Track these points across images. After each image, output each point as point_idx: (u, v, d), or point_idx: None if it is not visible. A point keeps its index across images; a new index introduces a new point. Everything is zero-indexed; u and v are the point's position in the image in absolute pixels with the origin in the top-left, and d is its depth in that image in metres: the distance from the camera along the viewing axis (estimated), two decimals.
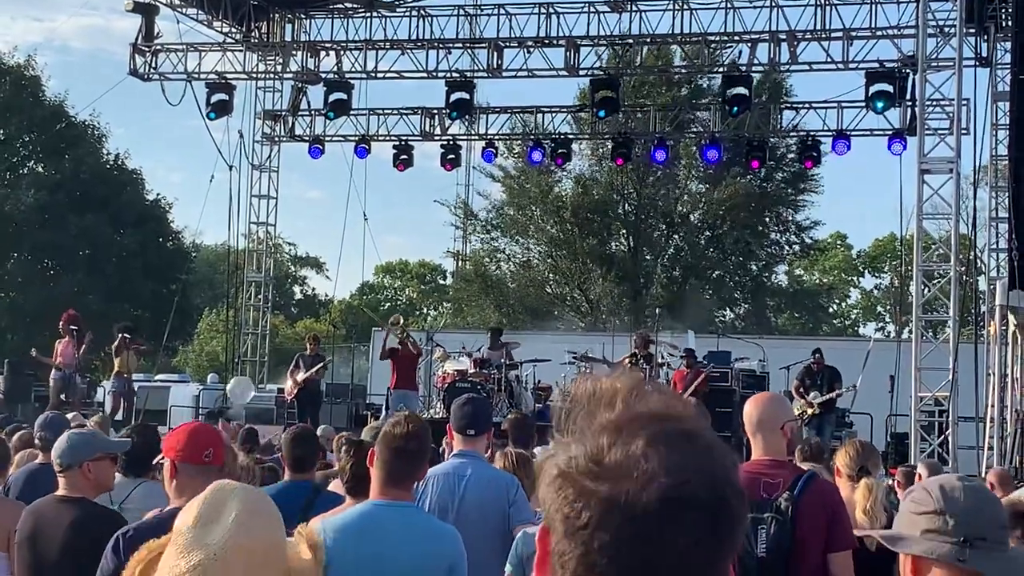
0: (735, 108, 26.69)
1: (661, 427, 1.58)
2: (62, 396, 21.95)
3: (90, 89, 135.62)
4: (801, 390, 20.84)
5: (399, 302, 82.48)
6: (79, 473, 6.01)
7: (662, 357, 22.78)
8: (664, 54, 38.13)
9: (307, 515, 6.29)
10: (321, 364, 23.16)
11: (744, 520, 1.61)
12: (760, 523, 5.39)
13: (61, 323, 22.74)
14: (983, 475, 15.21)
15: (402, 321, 23.23)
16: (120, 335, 23.20)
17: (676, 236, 51.60)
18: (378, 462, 5.07)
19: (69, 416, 11.90)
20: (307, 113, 30.88)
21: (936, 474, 11.40)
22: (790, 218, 52.97)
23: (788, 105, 32.34)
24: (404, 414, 5.47)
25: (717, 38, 27.60)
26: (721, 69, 29.48)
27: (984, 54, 25.26)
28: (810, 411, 20.54)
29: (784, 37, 26.45)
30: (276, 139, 31.63)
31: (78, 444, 6.14)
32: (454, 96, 27.41)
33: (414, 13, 28.86)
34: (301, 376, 22.78)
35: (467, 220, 52.89)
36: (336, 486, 7.47)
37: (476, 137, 31.70)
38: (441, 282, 78.13)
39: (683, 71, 38.04)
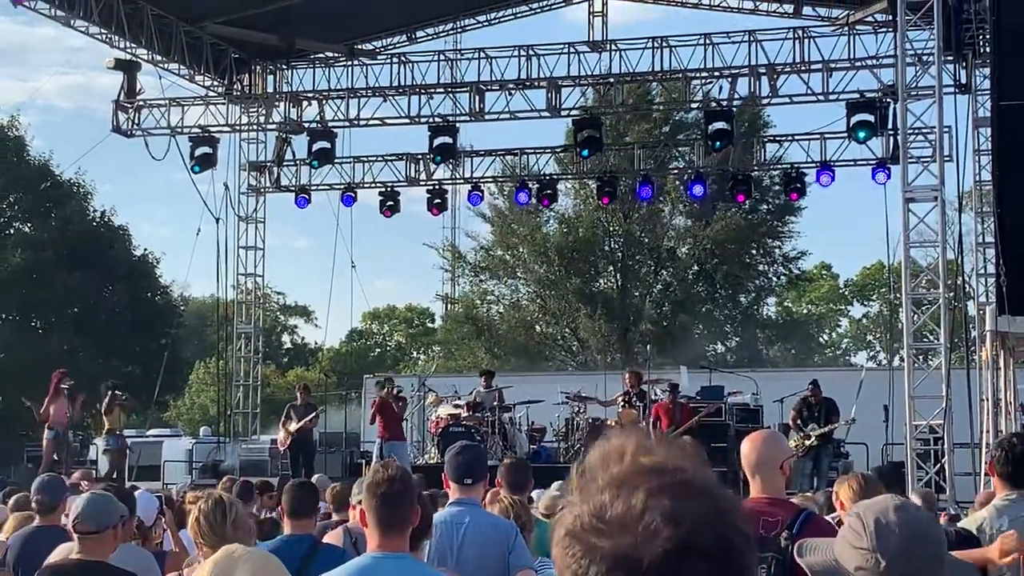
0: (718, 143, 26.79)
1: (661, 479, 1.59)
2: (55, 456, 21.82)
3: (75, 147, 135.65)
4: (799, 422, 20.82)
5: (387, 348, 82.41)
6: (105, 537, 5.95)
7: (655, 394, 22.75)
8: (644, 91, 38.29)
9: (307, 569, 6.25)
10: (313, 414, 23.09)
11: (754, 563, 1.61)
12: (761, 562, 5.38)
13: (53, 382, 22.61)
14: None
15: (387, 387, 23.15)
16: (110, 392, 23.13)
17: (664, 272, 51.67)
18: (367, 514, 5.06)
19: (70, 479, 11.81)
20: (292, 163, 30.90)
21: (931, 504, 11.38)
22: (777, 250, 53.10)
23: (771, 138, 32.46)
24: (382, 462, 5.47)
25: (697, 74, 27.73)
26: (700, 103, 29.60)
27: (963, 81, 25.41)
28: (807, 444, 20.51)
29: (764, 71, 26.60)
30: (262, 190, 31.64)
31: (108, 507, 6.08)
32: (438, 141, 27.45)
33: (395, 60, 28.99)
34: (293, 426, 22.70)
35: (455, 263, 52.98)
36: (333, 536, 7.43)
37: (461, 181, 31.76)
38: (429, 325, 78.12)
39: (664, 107, 38.18)
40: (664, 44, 27.31)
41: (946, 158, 21.72)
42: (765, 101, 28.80)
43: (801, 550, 3.16)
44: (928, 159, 20.49)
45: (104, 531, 5.95)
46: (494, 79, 28.04)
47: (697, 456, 1.70)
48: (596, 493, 1.61)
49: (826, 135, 28.14)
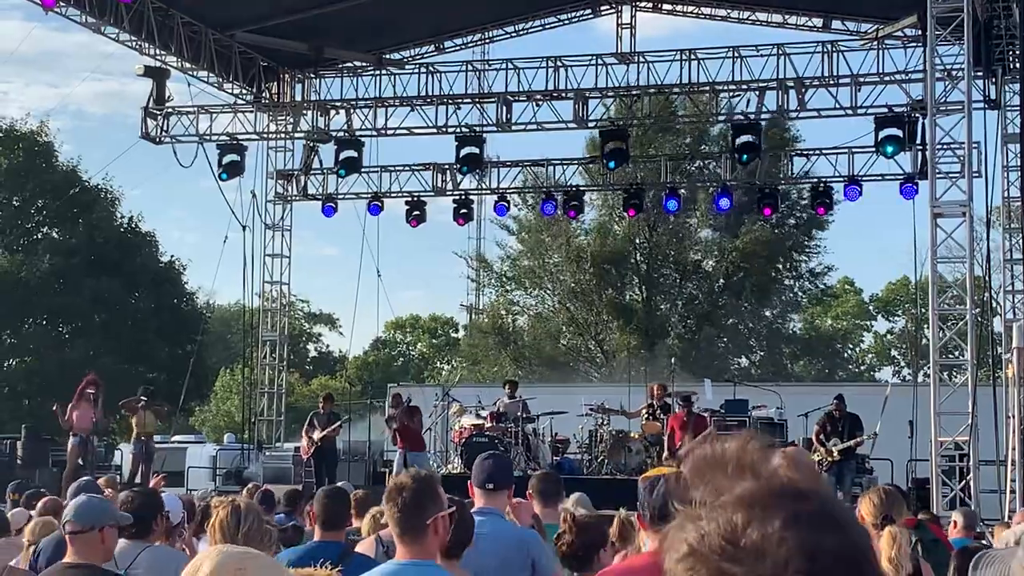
0: (744, 156, 26.74)
1: (798, 507, 1.51)
2: (80, 461, 21.91)
3: (107, 152, 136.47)
4: (822, 437, 20.73)
5: (411, 357, 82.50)
6: (94, 537, 5.96)
7: (679, 407, 22.67)
8: (670, 103, 38.29)
9: None
10: (337, 423, 23.13)
11: None
12: None
13: (81, 386, 22.69)
14: (1007, 519, 15.09)
15: (400, 406, 23.28)
16: (139, 397, 23.27)
17: (689, 284, 51.58)
18: (389, 522, 5.09)
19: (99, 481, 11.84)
20: (319, 172, 30.99)
21: (972, 524, 11.30)
22: (803, 264, 52.96)
23: (798, 152, 32.37)
24: (406, 471, 5.50)
25: (724, 87, 27.69)
26: (726, 116, 29.57)
27: (993, 97, 25.32)
28: (830, 459, 20.42)
29: (792, 84, 26.53)
30: (289, 198, 31.72)
31: (97, 508, 6.10)
32: (464, 151, 27.50)
33: (423, 70, 29.06)
34: (317, 435, 22.77)
35: (481, 272, 53.03)
36: (365, 545, 7.41)
37: (488, 191, 31.79)
38: (453, 335, 78.18)
39: (691, 120, 38.16)
40: (692, 57, 27.30)
41: (975, 174, 21.66)
42: (793, 115, 28.75)
43: (978, 563, 3.13)
44: (956, 175, 20.40)
45: (91, 531, 5.95)
46: (521, 90, 28.07)
47: (823, 479, 1.63)
48: (726, 511, 1.52)
49: (854, 149, 28.07)
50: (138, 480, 21.26)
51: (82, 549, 5.95)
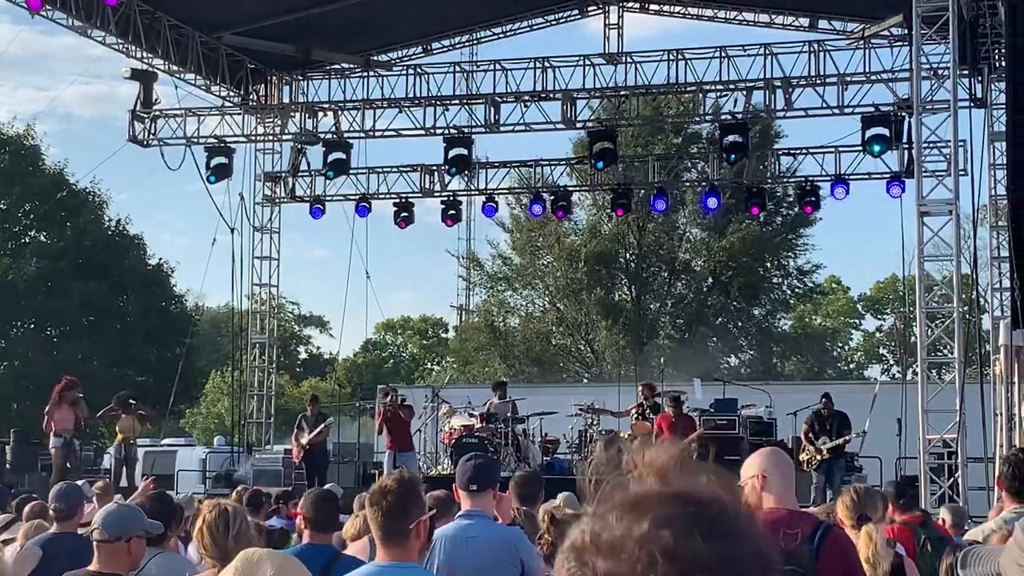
0: (732, 156, 26.81)
1: (674, 510, 1.51)
2: (67, 464, 21.86)
3: (95, 156, 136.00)
4: (810, 435, 20.78)
5: (402, 359, 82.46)
6: (121, 548, 5.93)
7: (668, 407, 22.70)
8: (658, 103, 38.33)
9: None
10: (324, 425, 23.12)
11: None
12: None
13: (60, 388, 22.56)
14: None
15: (391, 395, 23.25)
16: (116, 404, 23.22)
17: (679, 284, 51.64)
18: (371, 524, 5.11)
19: (83, 484, 11.82)
20: (307, 173, 30.97)
21: (961, 520, 11.34)
22: (791, 262, 53.06)
23: (785, 151, 32.44)
24: (390, 473, 5.51)
25: (712, 87, 27.75)
26: (713, 116, 29.63)
27: (979, 95, 25.37)
28: (819, 457, 20.49)
29: (779, 84, 26.60)
30: (277, 200, 31.70)
31: (127, 518, 6.06)
32: (453, 152, 27.52)
33: (410, 71, 29.06)
34: (305, 439, 22.78)
35: (471, 271, 53.06)
36: (358, 547, 7.42)
37: (476, 192, 31.79)
38: (443, 335, 78.18)
39: (678, 120, 38.22)
40: (679, 57, 27.36)
41: (961, 172, 21.69)
42: (780, 114, 28.81)
43: (965, 561, 3.15)
44: (943, 173, 20.45)
45: (118, 541, 5.92)
46: (509, 91, 28.10)
47: (734, 491, 1.60)
48: (606, 511, 1.55)
49: (841, 148, 28.11)
50: (123, 484, 21.21)
51: (108, 559, 5.92)
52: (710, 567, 1.47)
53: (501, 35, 30.20)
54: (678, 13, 29.77)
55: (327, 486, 16.42)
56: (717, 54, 27.15)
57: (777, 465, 5.72)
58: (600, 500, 1.58)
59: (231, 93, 29.85)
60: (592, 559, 1.52)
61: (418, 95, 28.59)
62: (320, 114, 30.01)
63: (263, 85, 30.50)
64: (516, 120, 28.37)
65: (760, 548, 1.53)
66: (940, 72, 21.06)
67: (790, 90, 26.71)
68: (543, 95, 27.92)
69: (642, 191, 33.60)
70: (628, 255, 50.52)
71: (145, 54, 27.51)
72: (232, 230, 29.23)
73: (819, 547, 5.46)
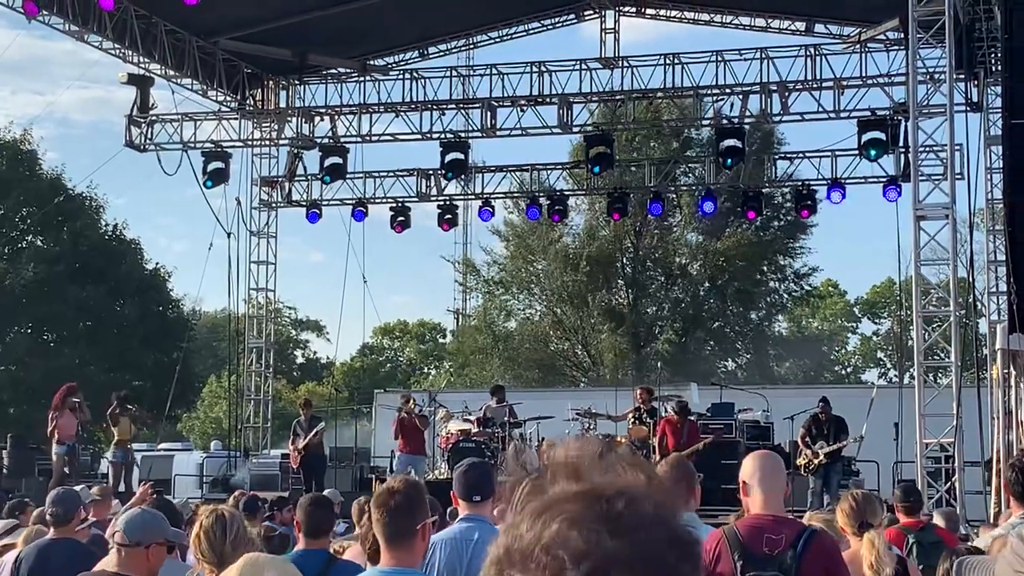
0: (729, 160, 26.83)
1: (582, 510, 1.47)
2: (65, 470, 21.85)
3: (93, 160, 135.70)
4: (807, 440, 20.77)
5: (399, 363, 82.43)
6: (140, 554, 5.92)
7: (666, 411, 22.67)
8: (655, 107, 38.34)
9: None
10: (317, 428, 23.12)
11: None
12: None
13: (61, 394, 22.58)
14: (991, 520, 15.15)
15: (411, 401, 23.41)
16: (116, 401, 23.18)
17: (676, 288, 51.64)
18: (375, 528, 5.09)
19: (80, 489, 11.80)
20: (304, 178, 30.98)
21: (954, 525, 11.34)
22: (788, 267, 53.07)
23: (782, 155, 32.46)
24: (392, 476, 5.50)
25: (708, 91, 27.75)
26: (711, 120, 29.63)
27: (975, 99, 25.40)
28: (816, 461, 20.47)
29: (775, 88, 26.62)
30: (273, 205, 31.70)
31: (149, 524, 6.02)
32: (449, 156, 27.55)
33: (407, 76, 29.07)
34: (300, 443, 22.81)
35: (468, 275, 53.03)
36: (354, 552, 7.41)
37: (472, 196, 31.79)
38: (440, 340, 78.14)
39: (675, 124, 38.23)
40: (676, 61, 27.38)
41: (957, 176, 21.71)
42: (776, 118, 28.82)
43: (960, 570, 3.14)
44: (939, 177, 20.47)
45: (138, 547, 5.90)
46: (506, 95, 28.10)
47: (655, 479, 1.54)
48: (520, 518, 1.52)
49: (837, 152, 28.14)
50: (121, 488, 21.18)
51: (127, 563, 5.91)
52: (622, 561, 1.43)
53: (497, 39, 30.25)
54: (674, 17, 29.78)
55: (325, 491, 16.43)
56: (713, 58, 27.17)
57: (763, 470, 5.72)
58: (514, 509, 1.55)
59: (228, 98, 29.86)
60: (508, 572, 1.48)
61: (414, 99, 28.60)
62: (317, 119, 30.00)
63: (260, 90, 30.51)
64: (513, 124, 28.38)
65: (674, 534, 1.49)
66: (936, 76, 21.06)
67: (787, 94, 26.72)
68: (539, 99, 27.93)
69: (640, 195, 33.61)
70: (625, 259, 50.51)
71: (142, 59, 27.49)
72: (229, 234, 29.26)
73: (802, 553, 5.47)
